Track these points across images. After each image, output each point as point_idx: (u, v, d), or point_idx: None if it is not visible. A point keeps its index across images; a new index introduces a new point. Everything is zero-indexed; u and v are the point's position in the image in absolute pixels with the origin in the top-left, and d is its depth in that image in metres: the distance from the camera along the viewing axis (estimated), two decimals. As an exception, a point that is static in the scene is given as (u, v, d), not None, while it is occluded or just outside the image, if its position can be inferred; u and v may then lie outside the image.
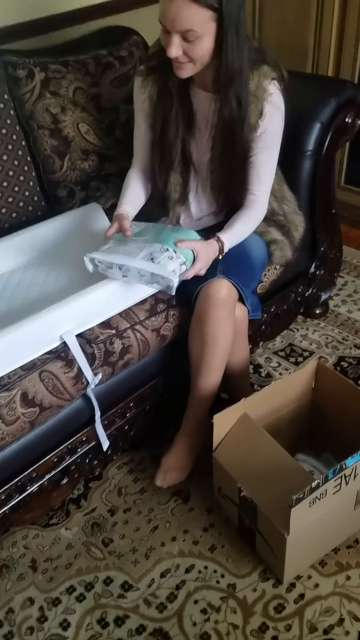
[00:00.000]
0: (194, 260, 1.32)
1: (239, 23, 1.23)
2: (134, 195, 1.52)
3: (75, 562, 1.39)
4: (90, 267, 1.33)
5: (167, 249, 1.28)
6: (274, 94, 1.34)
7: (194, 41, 1.21)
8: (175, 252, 1.28)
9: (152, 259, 1.27)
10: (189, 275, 1.32)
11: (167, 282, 1.27)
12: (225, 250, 1.40)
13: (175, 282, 1.27)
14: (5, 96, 1.64)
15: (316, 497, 1.19)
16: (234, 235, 1.42)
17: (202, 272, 1.35)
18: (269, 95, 1.33)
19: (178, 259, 1.28)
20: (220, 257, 1.40)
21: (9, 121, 1.64)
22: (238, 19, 1.22)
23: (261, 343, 1.91)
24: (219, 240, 1.38)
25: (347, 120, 1.69)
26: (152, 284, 1.31)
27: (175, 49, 1.23)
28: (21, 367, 1.24)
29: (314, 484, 1.16)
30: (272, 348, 1.97)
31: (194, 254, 1.31)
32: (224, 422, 1.37)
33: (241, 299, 1.42)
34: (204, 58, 1.26)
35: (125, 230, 1.35)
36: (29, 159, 1.72)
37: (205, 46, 1.23)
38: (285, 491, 1.20)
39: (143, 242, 1.32)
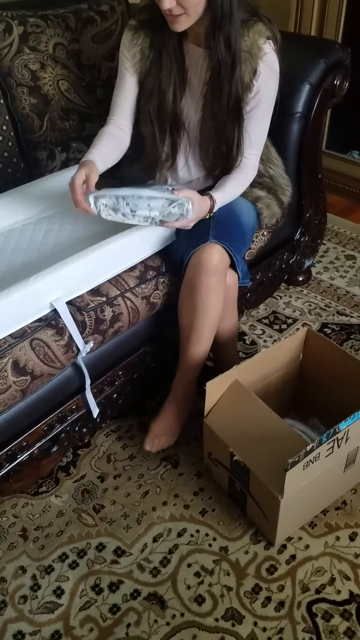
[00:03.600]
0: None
1: None
2: (107, 151, 1.43)
3: (66, 530, 1.39)
4: (94, 210, 1.28)
5: (168, 188, 1.28)
6: (268, 54, 1.30)
7: None
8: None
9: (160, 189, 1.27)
10: (176, 224, 1.30)
11: (181, 207, 1.25)
12: (215, 210, 1.38)
13: (190, 206, 1.25)
14: (-18, 51, 1.56)
15: (310, 460, 1.21)
16: (225, 195, 1.40)
17: (189, 226, 1.33)
18: (264, 54, 1.29)
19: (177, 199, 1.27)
20: (208, 217, 1.38)
21: (-14, 78, 1.56)
22: None
23: (245, 311, 1.91)
24: (211, 198, 1.36)
25: (335, 82, 1.67)
26: (159, 220, 1.28)
27: (168, 0, 1.17)
28: (11, 335, 1.20)
29: (308, 447, 1.17)
30: (256, 316, 1.96)
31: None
32: (215, 389, 1.37)
33: (232, 265, 1.41)
34: (198, 7, 1.21)
35: (90, 186, 1.28)
36: (7, 118, 1.65)
37: None
38: (278, 455, 1.22)
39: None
